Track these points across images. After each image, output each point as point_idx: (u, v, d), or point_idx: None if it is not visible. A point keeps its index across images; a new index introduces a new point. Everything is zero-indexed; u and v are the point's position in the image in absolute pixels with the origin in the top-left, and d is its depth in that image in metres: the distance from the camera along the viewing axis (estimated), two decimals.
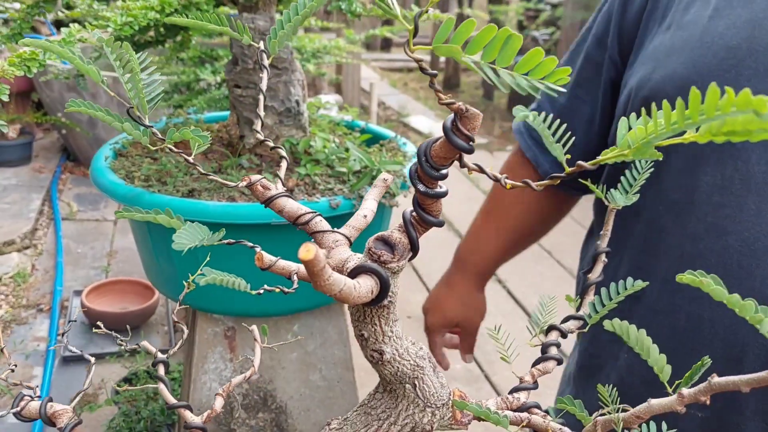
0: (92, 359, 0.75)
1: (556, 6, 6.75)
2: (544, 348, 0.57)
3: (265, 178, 0.57)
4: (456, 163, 0.41)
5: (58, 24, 3.35)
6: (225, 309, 1.46)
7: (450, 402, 0.48)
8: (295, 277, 0.48)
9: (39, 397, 0.55)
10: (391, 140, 1.61)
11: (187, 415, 0.53)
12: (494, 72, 0.35)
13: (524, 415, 0.48)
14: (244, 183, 0.56)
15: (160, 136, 0.54)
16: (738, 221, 0.86)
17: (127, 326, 0.99)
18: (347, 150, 1.43)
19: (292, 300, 1.43)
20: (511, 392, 0.53)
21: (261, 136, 0.63)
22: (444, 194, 0.42)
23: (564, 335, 0.58)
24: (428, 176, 0.40)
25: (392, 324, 0.45)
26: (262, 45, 0.66)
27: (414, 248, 0.44)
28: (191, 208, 1.22)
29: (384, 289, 0.41)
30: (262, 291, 0.45)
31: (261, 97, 0.65)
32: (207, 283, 0.41)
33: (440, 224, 0.43)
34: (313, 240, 0.54)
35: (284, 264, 0.48)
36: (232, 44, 1.38)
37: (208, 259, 0.86)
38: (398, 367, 0.45)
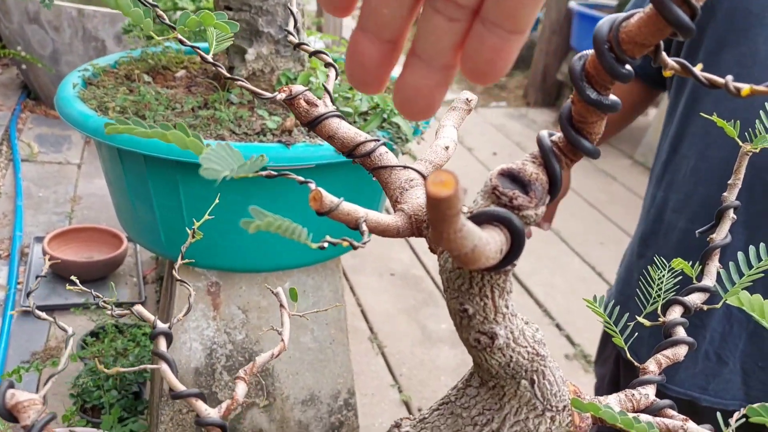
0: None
1: None
2: (668, 329, 0.44)
3: (309, 90, 0.42)
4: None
5: None
6: (209, 262, 1.31)
7: (570, 403, 0.35)
8: (364, 226, 0.34)
9: None
10: (396, 79, 1.45)
11: (201, 407, 0.40)
12: None
13: (672, 422, 0.35)
14: (284, 95, 0.41)
15: (167, 21, 0.38)
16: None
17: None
18: (351, 88, 1.27)
19: (284, 255, 1.29)
20: (633, 386, 0.41)
21: (294, 39, 0.48)
22: (620, 106, 0.28)
23: (689, 310, 0.45)
24: (611, 74, 0.26)
25: (507, 296, 0.32)
26: None
27: (555, 188, 0.30)
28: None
29: (517, 246, 0.28)
30: (325, 244, 0.31)
31: None
32: (258, 230, 0.27)
33: (597, 154, 0.30)
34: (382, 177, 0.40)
35: (349, 207, 0.34)
36: None
37: (217, 202, 0.70)
38: (512, 356, 0.32)
